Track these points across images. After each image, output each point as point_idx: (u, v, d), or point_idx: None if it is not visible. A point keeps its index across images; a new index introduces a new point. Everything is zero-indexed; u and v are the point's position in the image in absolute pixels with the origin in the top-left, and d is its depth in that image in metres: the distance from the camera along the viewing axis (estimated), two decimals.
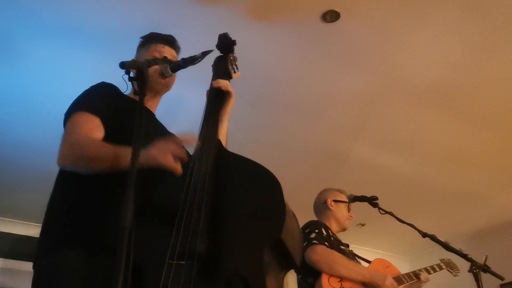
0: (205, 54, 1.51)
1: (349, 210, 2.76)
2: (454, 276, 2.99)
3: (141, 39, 1.82)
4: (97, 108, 1.48)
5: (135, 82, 1.19)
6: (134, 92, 1.19)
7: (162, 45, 1.76)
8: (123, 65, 1.19)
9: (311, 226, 2.52)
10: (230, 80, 1.67)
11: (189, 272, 1.15)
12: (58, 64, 3.05)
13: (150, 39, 1.78)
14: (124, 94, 1.63)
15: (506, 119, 3.74)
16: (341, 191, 2.83)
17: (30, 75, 3.15)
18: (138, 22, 2.69)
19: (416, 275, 2.65)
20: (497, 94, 3.45)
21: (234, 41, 1.64)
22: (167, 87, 1.75)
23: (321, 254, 2.31)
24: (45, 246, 1.35)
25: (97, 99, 1.53)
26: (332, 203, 2.73)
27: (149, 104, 1.71)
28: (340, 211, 2.72)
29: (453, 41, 2.95)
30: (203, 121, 1.47)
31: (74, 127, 1.43)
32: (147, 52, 1.73)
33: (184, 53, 1.56)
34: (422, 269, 2.73)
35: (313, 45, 2.99)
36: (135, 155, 1.04)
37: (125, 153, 1.27)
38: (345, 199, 2.77)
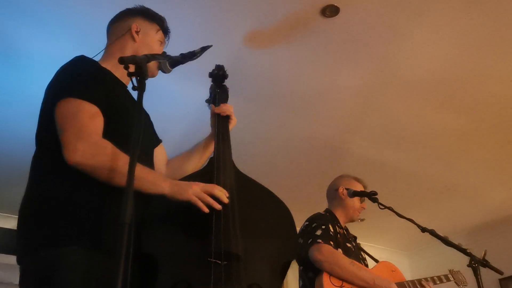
0: (204, 49, 1.52)
1: (362, 201, 2.69)
2: None
3: (148, 9, 1.73)
4: (93, 96, 1.40)
5: (134, 77, 1.19)
6: (133, 87, 1.19)
7: (166, 38, 1.76)
8: (122, 60, 1.20)
9: (318, 220, 2.49)
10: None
11: (222, 271, 1.21)
12: (57, 61, 3.03)
13: (160, 22, 1.73)
14: (105, 69, 1.55)
15: (506, 114, 3.74)
16: (358, 180, 2.76)
17: (29, 71, 3.14)
18: None
19: (420, 283, 2.61)
20: (497, 89, 3.44)
21: (227, 75, 1.89)
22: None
23: (325, 254, 2.30)
24: (41, 238, 1.29)
25: (89, 83, 1.45)
26: (344, 191, 2.66)
27: (124, 77, 1.58)
28: (351, 201, 2.65)
29: (453, 35, 2.94)
30: (216, 140, 1.62)
31: (81, 120, 1.35)
32: (155, 34, 1.70)
33: (181, 50, 1.56)
34: (428, 278, 2.67)
35: (312, 40, 2.98)
36: (134, 152, 1.04)
37: (156, 180, 1.33)
38: (360, 188, 2.69)
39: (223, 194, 1.33)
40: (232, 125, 1.78)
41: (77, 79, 1.46)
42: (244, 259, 1.27)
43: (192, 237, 1.29)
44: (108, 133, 1.37)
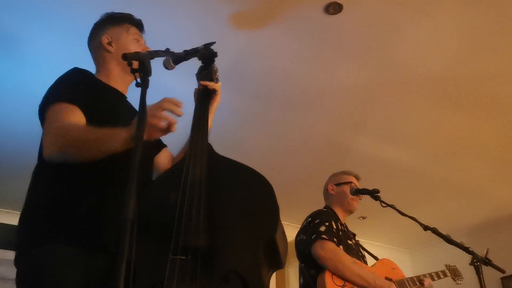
0: (207, 46, 1.50)
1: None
2: (457, 284, 2.97)
3: (113, 14, 1.75)
4: (75, 97, 1.44)
5: (137, 74, 1.18)
6: (136, 84, 1.18)
7: (139, 32, 1.74)
8: (125, 56, 1.19)
9: (321, 216, 2.50)
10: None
11: (189, 266, 1.17)
12: (56, 57, 3.04)
13: (128, 20, 1.73)
14: (98, 79, 1.61)
15: (508, 112, 3.73)
16: (345, 172, 2.78)
17: (28, 67, 3.15)
18: None
19: (420, 280, 2.63)
20: (499, 87, 3.43)
21: (216, 53, 1.65)
22: None
23: (329, 252, 2.30)
24: (33, 237, 1.33)
25: (73, 88, 1.49)
26: (334, 187, 2.71)
27: (122, 87, 1.67)
28: (342, 194, 2.68)
29: (456, 33, 2.93)
30: (192, 126, 1.51)
31: (55, 118, 1.40)
32: (128, 34, 1.70)
33: (177, 49, 1.55)
34: (427, 275, 2.71)
35: (315, 37, 2.97)
36: (137, 149, 1.04)
37: (115, 133, 1.27)
38: (349, 179, 2.72)
39: (171, 104, 1.26)
40: (215, 100, 1.64)
41: (62, 86, 1.51)
42: (216, 248, 1.23)
43: (160, 236, 1.25)
44: None
